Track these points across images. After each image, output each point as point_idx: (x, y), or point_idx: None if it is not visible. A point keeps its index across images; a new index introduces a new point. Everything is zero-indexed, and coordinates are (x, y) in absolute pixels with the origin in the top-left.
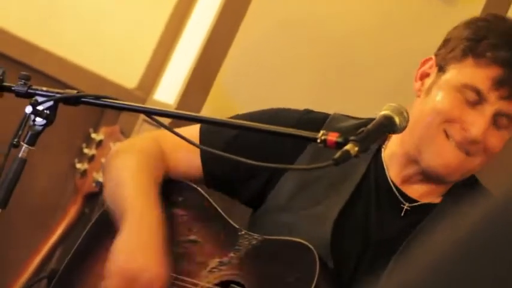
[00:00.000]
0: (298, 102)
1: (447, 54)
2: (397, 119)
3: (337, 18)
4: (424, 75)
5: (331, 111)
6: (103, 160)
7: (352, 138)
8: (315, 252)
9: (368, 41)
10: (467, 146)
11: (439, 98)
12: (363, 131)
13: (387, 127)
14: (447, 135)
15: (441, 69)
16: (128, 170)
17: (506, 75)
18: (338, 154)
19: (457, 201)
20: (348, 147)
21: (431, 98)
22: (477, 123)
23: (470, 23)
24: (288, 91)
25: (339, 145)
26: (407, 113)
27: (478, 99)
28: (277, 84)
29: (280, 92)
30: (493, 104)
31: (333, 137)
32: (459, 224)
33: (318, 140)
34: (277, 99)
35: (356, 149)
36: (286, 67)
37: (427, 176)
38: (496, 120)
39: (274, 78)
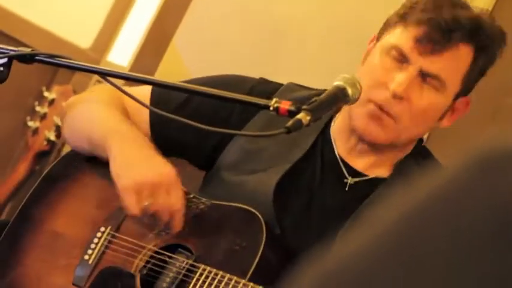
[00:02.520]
0: (250, 70)
1: (385, 25)
2: (349, 90)
3: None
4: (368, 54)
5: (283, 81)
6: (64, 104)
7: (304, 107)
8: (261, 219)
9: (316, 15)
10: (391, 105)
11: (371, 61)
12: (315, 100)
13: (340, 98)
14: (371, 101)
15: (378, 39)
16: (100, 108)
17: (426, 32)
18: (290, 122)
19: (406, 175)
20: (300, 116)
21: (365, 64)
22: (398, 78)
23: None
24: (242, 58)
25: (291, 113)
26: (360, 85)
27: (402, 59)
28: (232, 50)
29: (234, 59)
30: (416, 62)
31: (285, 105)
32: (406, 197)
33: (271, 108)
34: (231, 65)
35: (308, 118)
36: (241, 34)
37: (364, 141)
38: (426, 80)
39: (229, 44)
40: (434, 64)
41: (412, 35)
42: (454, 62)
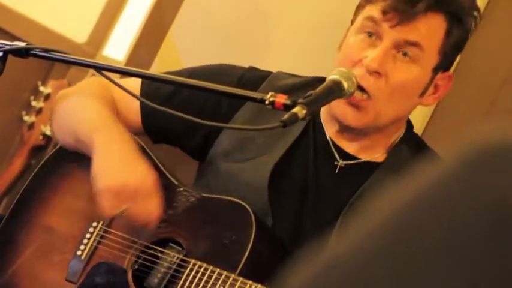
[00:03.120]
0: (246, 62)
1: (355, 9)
2: (345, 84)
3: None
4: (343, 40)
5: (276, 70)
6: (55, 97)
7: (300, 101)
8: (251, 212)
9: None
10: (367, 81)
11: (345, 44)
12: (311, 94)
13: (335, 91)
14: None
15: (351, 23)
16: (87, 103)
17: (391, 3)
18: (286, 116)
19: (401, 162)
20: (296, 110)
21: (341, 49)
22: (371, 54)
23: None
24: (239, 51)
25: (286, 107)
26: (355, 78)
27: (374, 28)
28: (228, 43)
29: (231, 51)
30: (388, 34)
31: (281, 99)
32: (400, 192)
33: (266, 102)
34: (228, 58)
35: (304, 111)
36: (238, 27)
37: (346, 128)
38: (401, 52)
39: (226, 37)
40: (405, 33)
41: (378, 8)
42: (427, 32)
